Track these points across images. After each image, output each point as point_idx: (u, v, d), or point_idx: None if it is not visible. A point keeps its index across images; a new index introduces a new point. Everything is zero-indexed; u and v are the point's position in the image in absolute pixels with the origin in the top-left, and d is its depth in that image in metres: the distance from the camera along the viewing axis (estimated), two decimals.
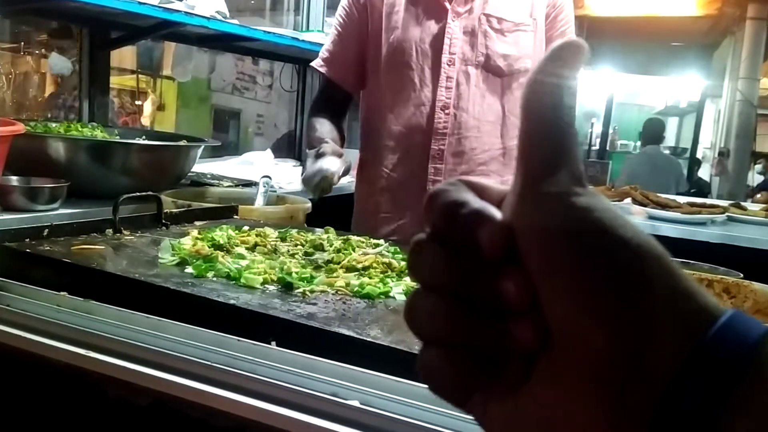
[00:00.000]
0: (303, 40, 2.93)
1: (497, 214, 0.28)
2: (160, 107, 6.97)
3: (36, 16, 2.60)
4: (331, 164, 1.43)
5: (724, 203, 2.53)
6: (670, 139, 9.55)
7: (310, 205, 1.75)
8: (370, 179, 1.65)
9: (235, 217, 1.49)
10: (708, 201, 2.56)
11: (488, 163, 1.55)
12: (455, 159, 1.53)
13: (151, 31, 2.35)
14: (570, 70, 0.28)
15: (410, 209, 1.56)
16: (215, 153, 3.00)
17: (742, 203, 2.55)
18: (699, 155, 7.48)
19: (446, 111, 1.52)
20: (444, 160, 1.53)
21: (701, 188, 6.26)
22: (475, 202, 0.28)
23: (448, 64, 1.52)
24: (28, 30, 4.21)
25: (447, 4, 1.52)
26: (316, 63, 1.66)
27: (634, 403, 0.25)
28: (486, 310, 0.27)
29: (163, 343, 0.67)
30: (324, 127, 1.60)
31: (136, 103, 6.87)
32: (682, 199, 2.47)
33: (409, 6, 1.54)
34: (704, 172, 7.26)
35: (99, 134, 1.78)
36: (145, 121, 6.62)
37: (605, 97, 7.47)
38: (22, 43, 4.14)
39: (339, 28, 1.63)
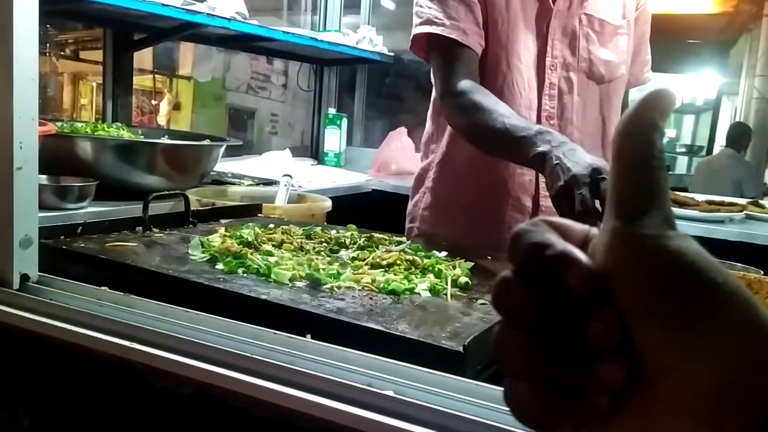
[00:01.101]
0: (321, 40, 2.95)
1: (583, 256, 0.29)
2: (176, 107, 7.04)
3: (60, 17, 2.65)
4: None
5: (743, 201, 2.53)
6: (686, 137, 9.49)
7: (330, 203, 1.78)
8: (462, 182, 1.47)
9: (259, 215, 1.52)
10: (726, 199, 2.56)
11: None
12: None
13: (173, 33, 2.39)
14: (661, 117, 0.30)
15: (514, 222, 1.40)
16: (232, 152, 3.03)
17: (761, 201, 2.54)
18: (715, 153, 7.42)
19: (551, 121, 1.38)
20: None
21: None
22: (560, 243, 0.29)
23: (551, 69, 1.38)
24: (48, 32, 4.28)
25: (551, 3, 1.36)
26: (440, 31, 1.32)
27: None
28: (572, 347, 0.29)
29: (203, 335, 0.70)
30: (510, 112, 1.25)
31: (153, 102, 6.95)
32: (701, 197, 2.47)
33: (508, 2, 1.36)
34: None
35: (124, 134, 1.82)
36: (161, 120, 6.69)
37: None
38: (45, 45, 4.22)
39: None
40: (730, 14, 6.19)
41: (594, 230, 0.32)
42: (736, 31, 6.67)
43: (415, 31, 1.37)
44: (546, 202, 1.40)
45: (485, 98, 1.27)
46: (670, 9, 5.82)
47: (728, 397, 0.27)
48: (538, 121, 1.37)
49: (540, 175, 1.28)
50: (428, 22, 1.34)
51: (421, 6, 1.37)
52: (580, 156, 1.06)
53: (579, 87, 1.39)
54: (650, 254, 0.28)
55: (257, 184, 2.11)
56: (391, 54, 3.36)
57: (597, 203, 1.00)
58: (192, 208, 1.36)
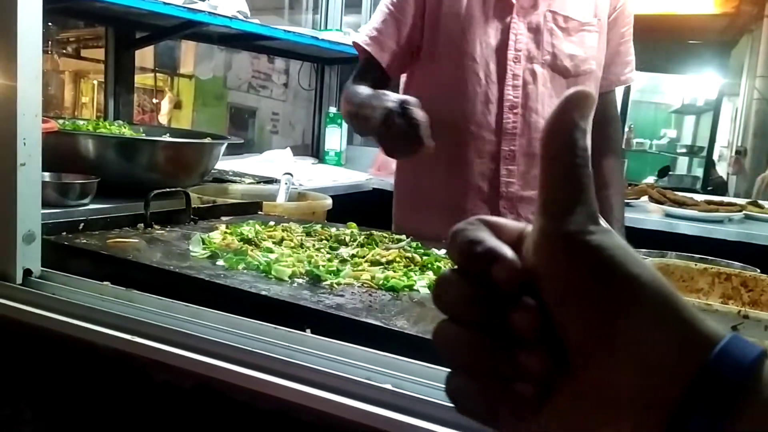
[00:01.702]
0: (322, 40, 2.96)
1: (509, 252, 0.31)
2: (177, 105, 7.05)
3: (63, 15, 2.66)
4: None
5: (742, 201, 2.54)
6: (686, 138, 9.49)
7: (330, 201, 1.79)
8: (422, 174, 1.55)
9: (260, 212, 1.53)
10: (725, 199, 2.56)
11: None
12: (527, 160, 1.46)
13: (174, 31, 2.40)
14: (582, 117, 0.31)
15: (477, 210, 1.48)
16: (233, 151, 3.04)
17: (760, 201, 2.55)
18: (716, 154, 7.42)
19: (515, 111, 1.45)
20: (516, 162, 1.46)
21: (717, 187, 6.23)
22: (489, 240, 0.31)
23: (514, 61, 1.45)
24: (50, 29, 4.29)
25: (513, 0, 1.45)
26: (362, 40, 1.54)
27: (647, 423, 0.28)
28: (505, 340, 0.30)
29: (203, 330, 0.70)
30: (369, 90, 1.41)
31: (154, 101, 6.95)
32: (700, 197, 2.48)
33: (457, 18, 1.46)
34: (721, 171, 7.22)
35: (126, 132, 1.83)
36: (163, 119, 6.69)
37: (621, 94, 7.44)
38: (47, 43, 4.23)
39: (391, 7, 1.51)
40: (732, 15, 6.19)
41: (529, 227, 0.33)
42: (737, 31, 6.67)
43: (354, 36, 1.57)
44: (508, 188, 1.47)
45: (354, 87, 1.46)
46: (671, 9, 5.83)
47: (647, 387, 0.28)
48: (501, 110, 1.45)
49: (501, 162, 1.46)
50: (365, 29, 1.55)
51: (376, 12, 1.56)
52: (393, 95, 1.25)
53: (544, 79, 1.46)
54: (572, 250, 0.30)
55: (258, 183, 2.12)
56: None
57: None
58: (193, 206, 1.37)
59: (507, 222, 0.34)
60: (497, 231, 0.33)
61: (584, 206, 0.30)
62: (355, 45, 1.56)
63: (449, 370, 0.32)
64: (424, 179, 1.55)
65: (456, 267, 0.32)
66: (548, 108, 1.46)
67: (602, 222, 0.31)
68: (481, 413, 0.32)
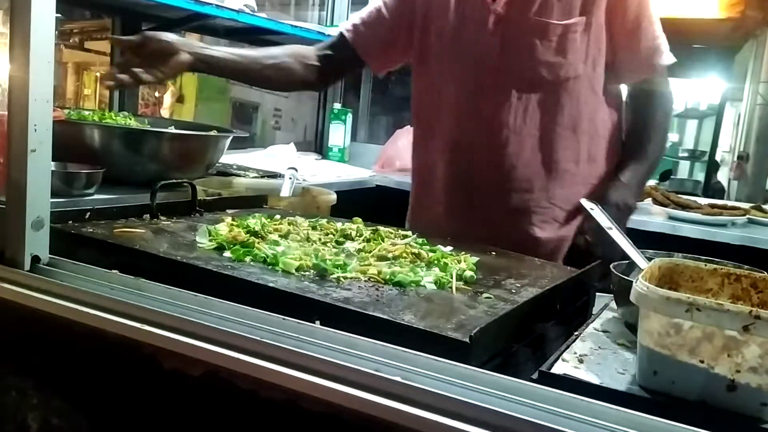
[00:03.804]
0: (329, 35, 2.95)
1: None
2: (179, 99, 7.05)
3: (70, 4, 2.65)
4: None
5: (745, 205, 2.53)
6: (688, 142, 9.48)
7: (335, 196, 1.79)
8: (426, 177, 1.60)
9: (265, 206, 1.53)
10: (729, 203, 2.56)
11: (532, 180, 1.45)
12: (498, 174, 1.45)
13: (181, 23, 2.39)
14: None
15: (452, 215, 1.51)
16: (237, 145, 3.04)
17: (763, 206, 2.55)
18: (717, 158, 7.42)
19: (489, 123, 1.43)
20: (489, 173, 1.46)
21: (716, 193, 6.22)
22: None
23: (487, 72, 1.43)
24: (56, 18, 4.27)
25: (490, 5, 1.42)
26: (344, 26, 1.59)
27: None
28: None
29: (212, 319, 0.70)
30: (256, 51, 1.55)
31: (156, 94, 6.95)
32: (703, 201, 2.48)
33: (457, 4, 1.46)
34: (722, 176, 7.21)
35: (132, 123, 1.83)
36: (165, 112, 6.69)
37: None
38: None
39: (384, 2, 1.55)
40: (736, 20, 6.16)
41: None
42: (741, 36, 6.65)
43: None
44: (480, 202, 1.49)
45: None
46: (675, 13, 5.81)
47: None
48: (474, 122, 1.44)
49: (474, 173, 1.47)
50: (354, 17, 1.62)
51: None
52: None
53: (519, 88, 1.41)
54: None
55: (262, 177, 2.12)
56: None
57: None
58: (198, 198, 1.37)
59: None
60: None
61: None
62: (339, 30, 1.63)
63: None
64: (413, 175, 1.65)
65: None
66: (520, 120, 1.42)
67: None
68: None
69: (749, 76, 6.47)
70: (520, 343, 0.87)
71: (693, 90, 8.52)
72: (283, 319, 0.70)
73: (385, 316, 0.80)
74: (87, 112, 1.89)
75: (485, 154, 1.45)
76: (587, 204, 1.07)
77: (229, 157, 2.46)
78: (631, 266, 0.96)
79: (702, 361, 0.63)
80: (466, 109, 1.45)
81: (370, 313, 0.81)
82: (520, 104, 1.41)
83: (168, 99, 7.03)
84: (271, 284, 0.88)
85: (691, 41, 6.93)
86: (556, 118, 1.42)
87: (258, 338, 0.65)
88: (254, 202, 1.52)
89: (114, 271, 0.82)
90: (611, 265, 0.96)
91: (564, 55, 1.39)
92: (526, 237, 1.44)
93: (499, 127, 1.42)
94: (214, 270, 0.91)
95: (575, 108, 1.43)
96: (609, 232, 1.00)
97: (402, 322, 0.78)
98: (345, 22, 1.61)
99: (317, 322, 0.71)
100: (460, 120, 1.47)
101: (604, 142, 1.47)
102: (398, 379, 0.60)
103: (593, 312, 1.06)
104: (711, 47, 7.21)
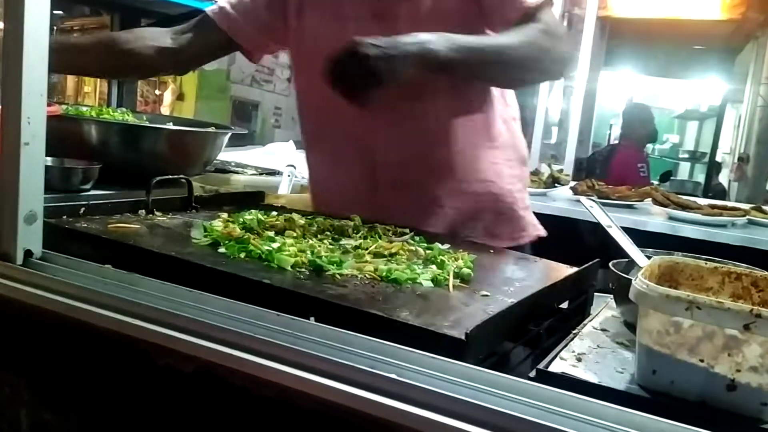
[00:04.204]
0: None
1: None
2: (179, 97, 7.05)
3: (69, 1, 2.65)
4: None
5: (746, 206, 2.53)
6: (689, 143, 9.48)
7: None
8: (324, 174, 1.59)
9: (262, 203, 1.52)
10: (729, 203, 2.56)
11: (427, 159, 1.44)
12: (397, 163, 1.43)
13: (181, 20, 2.38)
14: None
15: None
16: (236, 142, 3.03)
17: (764, 207, 2.54)
18: (718, 160, 7.42)
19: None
20: (388, 166, 1.44)
21: (717, 194, 6.22)
22: None
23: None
24: (53, 16, 4.27)
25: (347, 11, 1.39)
26: (211, 10, 1.52)
27: None
28: None
29: (206, 315, 0.70)
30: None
31: (156, 92, 6.95)
32: (703, 201, 2.48)
33: (321, 6, 1.44)
34: (722, 178, 7.21)
35: (129, 119, 1.82)
36: (165, 110, 6.69)
37: (625, 98, 7.44)
38: (52, 30, 4.22)
39: None
40: (737, 21, 6.17)
41: None
42: (742, 38, 6.65)
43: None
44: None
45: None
46: (676, 14, 5.81)
47: None
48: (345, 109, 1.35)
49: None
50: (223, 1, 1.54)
51: None
52: None
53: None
54: None
55: (260, 174, 2.11)
56: None
57: None
58: (195, 194, 1.36)
59: None
60: None
61: None
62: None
63: None
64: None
65: None
66: (403, 104, 1.37)
67: None
68: None
69: (750, 77, 6.46)
70: (518, 342, 0.86)
71: (694, 91, 8.53)
72: (278, 315, 0.70)
73: (380, 313, 0.79)
74: (85, 108, 1.88)
75: (365, 142, 1.43)
76: (586, 202, 1.06)
77: (228, 155, 2.45)
78: (631, 265, 0.95)
79: (702, 361, 0.62)
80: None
81: (366, 310, 0.80)
82: (402, 90, 1.32)
83: (168, 97, 7.03)
84: (266, 281, 0.87)
85: (692, 42, 6.94)
86: (438, 95, 1.39)
87: (251, 334, 0.64)
88: (251, 198, 1.51)
89: (107, 265, 0.82)
90: (610, 264, 0.95)
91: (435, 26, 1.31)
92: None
93: (375, 113, 1.34)
94: (209, 266, 0.90)
95: (449, 82, 1.39)
96: (609, 230, 0.99)
97: (398, 320, 0.77)
98: (213, 8, 1.53)
99: (312, 319, 0.70)
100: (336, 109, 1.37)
101: (492, 113, 1.45)
102: (393, 376, 0.59)
103: (591, 311, 1.06)
104: (712, 48, 7.21)
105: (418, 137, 1.43)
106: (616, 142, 5.57)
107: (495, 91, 1.47)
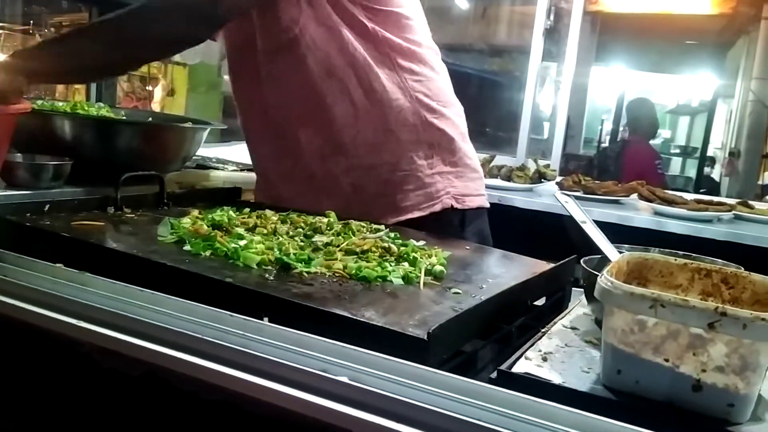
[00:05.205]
0: None
1: None
2: (170, 93, 7.01)
3: None
4: None
5: (732, 201, 2.51)
6: (680, 138, 9.48)
7: None
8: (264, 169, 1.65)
9: (238, 199, 1.49)
10: (715, 198, 2.54)
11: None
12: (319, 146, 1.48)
13: None
14: None
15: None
16: (223, 138, 3.00)
17: (750, 202, 2.52)
18: (709, 155, 7.42)
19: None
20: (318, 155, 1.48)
21: (710, 188, 6.22)
22: None
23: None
24: (39, 11, 4.22)
25: None
26: None
27: None
28: None
29: (157, 316, 0.67)
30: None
31: (147, 88, 6.90)
32: (689, 196, 2.46)
33: None
34: (714, 172, 7.21)
35: (105, 114, 1.78)
36: (156, 106, 6.65)
37: (617, 94, 7.42)
38: (32, 24, 4.16)
39: None
40: (728, 16, 6.16)
41: None
42: (733, 33, 6.65)
43: None
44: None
45: None
46: (667, 9, 5.79)
47: None
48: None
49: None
50: None
51: None
52: None
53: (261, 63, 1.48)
54: None
55: (242, 170, 2.07)
56: None
57: None
58: (169, 191, 1.33)
59: None
60: None
61: None
62: None
63: None
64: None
65: None
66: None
67: None
68: None
69: (741, 72, 6.46)
70: (486, 341, 0.84)
71: (685, 86, 8.52)
72: (231, 315, 0.67)
73: (343, 313, 0.77)
74: (61, 104, 1.85)
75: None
76: (561, 197, 1.04)
77: (210, 150, 2.42)
78: (604, 261, 0.93)
79: (667, 360, 0.60)
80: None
81: (328, 309, 0.77)
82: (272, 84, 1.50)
83: (159, 92, 6.99)
84: (227, 279, 0.85)
85: (683, 37, 6.93)
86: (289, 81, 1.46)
87: (201, 336, 0.62)
88: (227, 195, 1.49)
89: (59, 264, 0.79)
90: (582, 260, 0.93)
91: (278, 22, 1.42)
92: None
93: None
94: (169, 264, 0.88)
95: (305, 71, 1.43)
96: (583, 225, 0.96)
97: (360, 319, 0.75)
98: None
99: (266, 319, 0.67)
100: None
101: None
102: (344, 379, 0.57)
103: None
104: (703, 43, 7.20)
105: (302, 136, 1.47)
106: (626, 136, 5.49)
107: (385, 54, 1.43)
